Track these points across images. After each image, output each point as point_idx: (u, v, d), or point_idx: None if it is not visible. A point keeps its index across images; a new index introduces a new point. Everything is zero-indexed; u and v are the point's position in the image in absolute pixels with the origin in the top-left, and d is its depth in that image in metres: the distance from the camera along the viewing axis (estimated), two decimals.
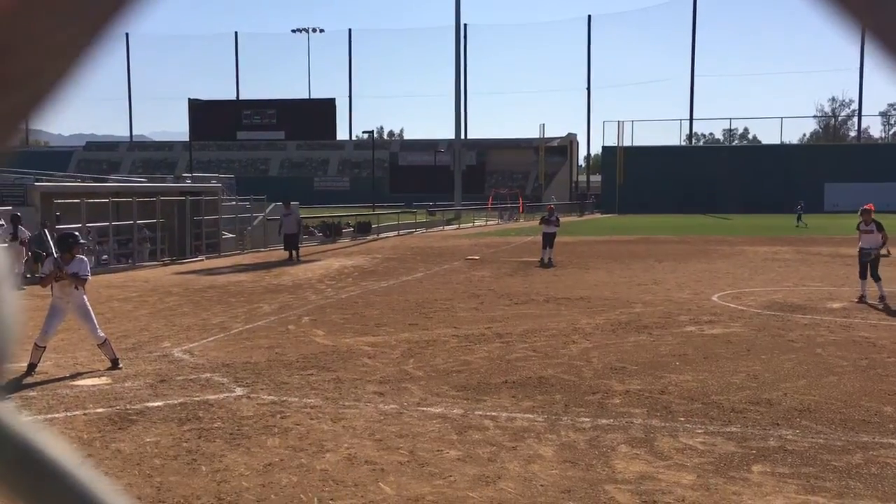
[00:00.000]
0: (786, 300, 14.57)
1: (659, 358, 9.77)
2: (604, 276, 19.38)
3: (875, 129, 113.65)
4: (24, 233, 17.28)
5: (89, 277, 9.29)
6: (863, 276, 14.50)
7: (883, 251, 14.83)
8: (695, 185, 76.01)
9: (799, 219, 45.92)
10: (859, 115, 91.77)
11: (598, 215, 70.47)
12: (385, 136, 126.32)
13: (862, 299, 14.37)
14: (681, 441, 6.51)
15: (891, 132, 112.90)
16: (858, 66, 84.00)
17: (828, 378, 8.68)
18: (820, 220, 50.11)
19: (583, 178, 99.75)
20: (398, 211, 43.28)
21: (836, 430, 6.79)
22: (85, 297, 9.21)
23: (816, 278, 18.65)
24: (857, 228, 14.97)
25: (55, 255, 9.07)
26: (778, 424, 6.96)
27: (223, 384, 8.47)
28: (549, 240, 22.66)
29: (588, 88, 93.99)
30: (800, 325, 12.06)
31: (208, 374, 8.90)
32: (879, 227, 14.55)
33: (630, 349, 10.32)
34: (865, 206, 15.02)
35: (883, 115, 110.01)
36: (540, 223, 23.90)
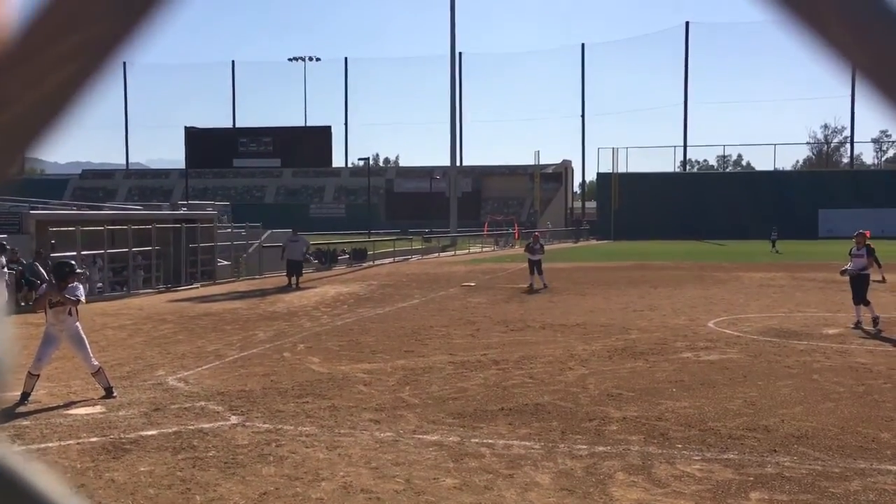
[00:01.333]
0: (782, 326, 14.58)
1: (655, 384, 9.74)
2: (600, 302, 19.38)
3: (867, 155, 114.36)
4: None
5: (83, 300, 9.20)
6: (856, 301, 14.52)
7: (878, 277, 14.85)
8: (689, 211, 76.24)
9: (773, 245, 46.01)
10: (851, 142, 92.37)
11: (594, 241, 70.59)
12: (381, 164, 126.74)
13: (858, 325, 14.38)
14: (678, 468, 6.48)
15: (883, 158, 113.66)
16: (850, 93, 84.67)
17: (825, 404, 8.66)
18: (813, 247, 50.23)
19: (578, 204, 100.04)
20: (394, 238, 43.33)
21: (834, 457, 6.76)
22: (79, 324, 9.16)
23: (812, 304, 18.67)
24: (850, 253, 15.02)
25: (52, 283, 9.12)
26: (775, 451, 6.94)
27: (218, 412, 8.42)
28: (535, 266, 23.22)
29: (582, 115, 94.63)
30: (796, 351, 12.05)
31: (203, 403, 8.85)
32: (870, 252, 14.61)
33: (626, 375, 10.29)
34: (860, 231, 15.11)
35: (875, 141, 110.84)
36: (525, 251, 24.75)
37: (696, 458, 6.76)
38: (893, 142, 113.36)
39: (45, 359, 8.95)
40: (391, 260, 38.43)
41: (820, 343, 12.86)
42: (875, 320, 14.20)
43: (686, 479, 6.20)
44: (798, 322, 15.33)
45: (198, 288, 23.87)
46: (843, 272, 14.88)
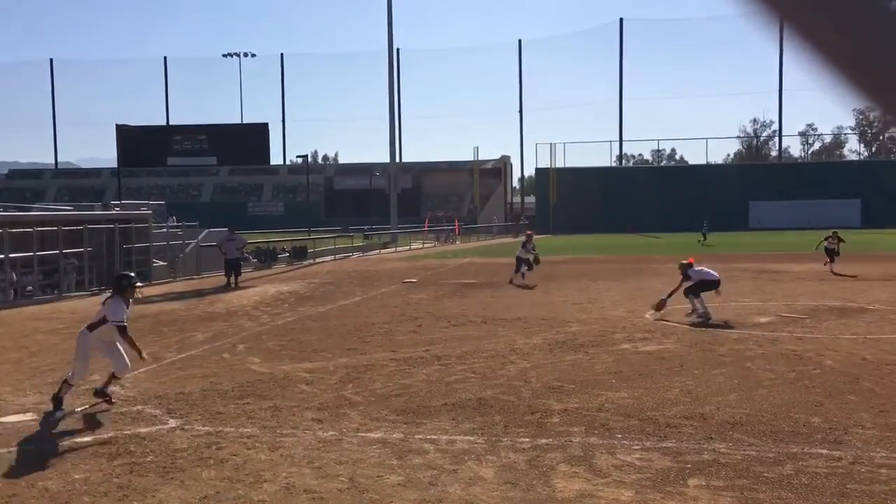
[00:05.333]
0: (715, 316, 14.93)
1: (595, 376, 9.89)
2: (540, 296, 19.57)
3: (795, 148, 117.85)
4: None
5: (125, 323, 8.78)
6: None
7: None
8: (626, 204, 77.50)
9: (704, 237, 46.96)
10: (780, 136, 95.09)
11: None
12: (320, 161, 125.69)
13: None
14: (618, 458, 6.59)
15: (809, 151, 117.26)
16: (778, 88, 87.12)
17: (758, 391, 8.91)
18: (744, 238, 51.59)
19: (517, 199, 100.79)
20: (334, 235, 43.02)
21: (768, 442, 6.96)
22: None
23: (744, 294, 19.17)
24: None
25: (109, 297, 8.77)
26: (712, 438, 7.11)
27: (155, 416, 8.25)
28: (524, 263, 23.19)
29: (520, 111, 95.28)
30: (730, 340, 12.36)
31: (140, 407, 8.66)
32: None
33: (567, 368, 10.42)
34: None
35: (802, 135, 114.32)
36: (521, 248, 24.20)
37: (636, 447, 6.88)
38: (819, 135, 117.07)
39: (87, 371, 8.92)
40: (332, 258, 38.16)
41: (752, 332, 13.22)
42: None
43: (626, 469, 6.31)
44: (731, 312, 15.72)
45: None
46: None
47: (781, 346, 11.83)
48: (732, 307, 16.52)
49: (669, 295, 15.15)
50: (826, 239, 24.79)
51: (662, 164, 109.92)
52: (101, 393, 8.67)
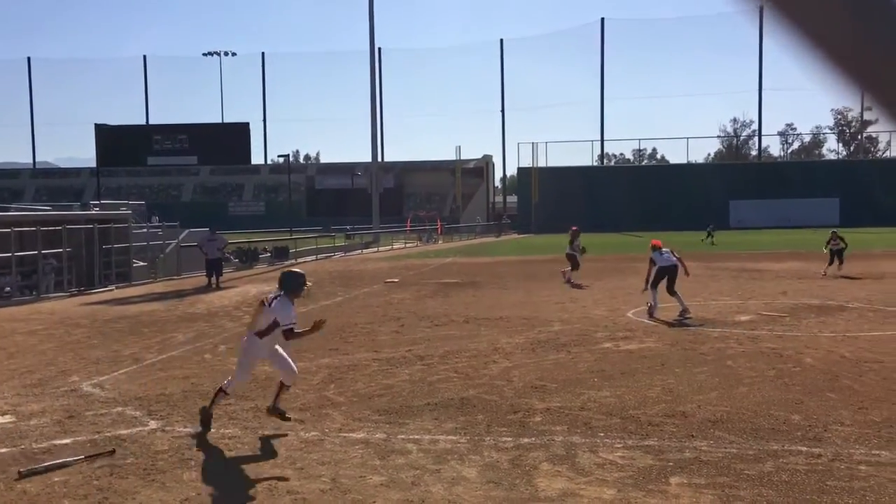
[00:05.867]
0: (696, 314, 15.01)
1: (578, 375, 9.92)
2: (522, 295, 19.60)
3: (774, 148, 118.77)
4: None
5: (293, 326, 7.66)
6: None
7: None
8: (607, 203, 77.82)
9: (709, 235, 47.26)
10: (759, 135, 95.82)
11: (515, 235, 71.36)
12: (301, 160, 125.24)
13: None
14: (601, 456, 6.61)
15: (788, 151, 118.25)
16: (758, 88, 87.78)
17: (738, 389, 8.97)
18: (727, 237, 51.92)
19: (500, 198, 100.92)
20: (316, 235, 42.89)
21: (748, 440, 7.01)
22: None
23: (725, 292, 19.30)
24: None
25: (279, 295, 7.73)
26: (693, 436, 7.15)
27: (136, 418, 8.19)
28: (574, 261, 22.67)
29: (502, 111, 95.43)
30: (711, 339, 12.43)
31: (120, 408, 8.60)
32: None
33: (550, 367, 10.45)
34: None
35: (781, 134, 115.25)
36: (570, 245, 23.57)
37: (618, 445, 6.91)
38: (798, 134, 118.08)
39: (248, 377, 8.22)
40: (313, 257, 38.04)
41: (733, 330, 13.30)
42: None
43: (609, 467, 6.33)
44: (712, 310, 15.82)
45: (112, 290, 23.15)
46: None
47: (762, 344, 11.92)
48: (713, 306, 16.63)
49: (645, 284, 15.17)
50: (829, 242, 23.57)
51: (643, 163, 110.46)
52: (275, 410, 7.78)
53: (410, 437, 7.29)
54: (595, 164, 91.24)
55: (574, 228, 24.22)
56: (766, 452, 6.63)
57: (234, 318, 16.35)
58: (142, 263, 26.48)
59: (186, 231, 29.35)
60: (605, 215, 74.24)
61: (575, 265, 22.72)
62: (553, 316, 15.45)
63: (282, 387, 7.87)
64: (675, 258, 15.22)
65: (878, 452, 6.58)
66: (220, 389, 7.85)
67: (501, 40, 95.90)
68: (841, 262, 23.01)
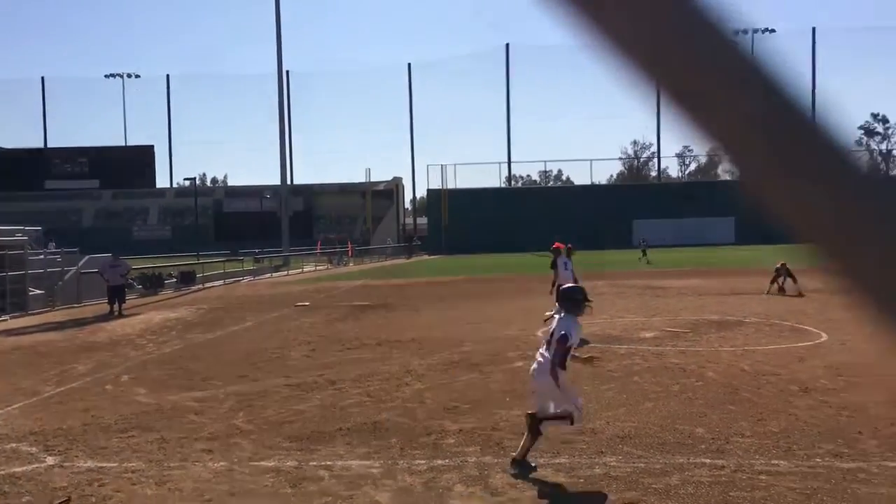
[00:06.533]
0: (604, 332, 15.36)
1: (490, 395, 9.99)
2: (434, 317, 19.65)
3: (673, 169, 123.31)
4: None
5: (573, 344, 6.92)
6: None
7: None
8: (516, 224, 78.89)
9: (644, 254, 47.25)
10: (658, 157, 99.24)
11: (426, 257, 71.57)
12: (208, 183, 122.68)
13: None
14: (513, 476, 6.66)
15: (686, 172, 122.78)
16: (656, 111, 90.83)
17: (645, 404, 9.20)
18: (632, 255, 53.37)
19: (410, 220, 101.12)
20: (224, 259, 42.00)
21: (655, 454, 7.19)
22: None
23: (631, 310, 19.81)
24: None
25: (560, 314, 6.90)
26: (602, 452, 7.29)
27: (32, 454, 7.80)
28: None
29: (411, 133, 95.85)
30: (618, 355, 12.73)
31: (14, 444, 8.18)
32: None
33: (462, 388, 10.49)
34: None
35: (679, 156, 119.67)
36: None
37: (530, 464, 6.97)
38: (695, 156, 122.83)
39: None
40: (222, 282, 37.21)
41: (639, 346, 13.66)
42: None
43: (521, 486, 6.39)
44: (619, 327, 16.21)
45: (6, 320, 22.08)
46: None
47: (666, 359, 12.27)
48: (619, 323, 17.03)
49: (553, 287, 15.17)
50: (776, 271, 23.40)
51: (550, 184, 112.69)
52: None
53: (322, 463, 7.18)
54: (503, 185, 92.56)
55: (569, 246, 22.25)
56: (672, 466, 6.81)
57: (137, 346, 15.82)
58: (39, 291, 25.35)
59: (87, 257, 28.26)
60: (515, 236, 75.26)
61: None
62: (465, 336, 15.54)
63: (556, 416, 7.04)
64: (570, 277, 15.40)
65: (777, 462, 6.86)
66: (567, 418, 6.93)
67: (409, 64, 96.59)
68: (793, 279, 22.69)
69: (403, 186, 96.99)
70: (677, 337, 14.77)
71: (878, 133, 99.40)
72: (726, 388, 10.01)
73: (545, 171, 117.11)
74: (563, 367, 6.82)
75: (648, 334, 15.19)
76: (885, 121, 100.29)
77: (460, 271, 41.61)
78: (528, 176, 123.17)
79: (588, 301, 7.23)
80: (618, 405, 9.20)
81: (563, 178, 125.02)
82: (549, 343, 6.93)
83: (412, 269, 47.14)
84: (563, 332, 6.80)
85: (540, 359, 7.00)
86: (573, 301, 7.12)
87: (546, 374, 6.79)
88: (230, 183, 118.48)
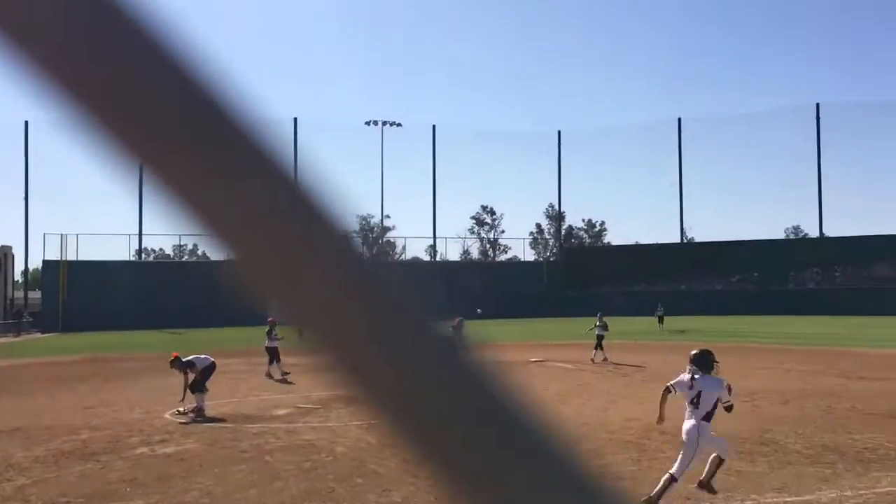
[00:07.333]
0: (236, 411, 15.01)
1: (107, 486, 9.18)
2: (45, 401, 17.65)
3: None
4: None
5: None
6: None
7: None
8: (149, 299, 74.72)
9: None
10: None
11: (38, 335, 64.56)
12: None
13: None
14: None
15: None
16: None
17: (275, 483, 9.11)
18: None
19: (20, 294, 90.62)
20: None
21: None
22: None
23: (265, 388, 19.64)
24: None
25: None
26: None
27: None
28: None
29: (26, 198, 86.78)
30: (250, 435, 12.50)
31: None
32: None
33: (75, 481, 9.51)
34: None
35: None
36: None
37: None
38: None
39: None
40: None
41: (272, 424, 13.56)
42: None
43: None
44: (252, 406, 15.96)
45: None
46: None
47: (298, 436, 12.32)
48: (252, 401, 16.78)
49: (184, 391, 14.95)
50: (595, 326, 24.61)
51: (184, 259, 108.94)
52: (708, 486, 7.99)
53: None
54: (133, 258, 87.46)
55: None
56: None
57: None
58: None
59: None
60: (148, 311, 71.14)
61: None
62: (81, 422, 14.16)
63: (720, 463, 8.07)
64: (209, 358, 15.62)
65: None
66: (670, 479, 7.66)
67: (26, 122, 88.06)
68: (602, 349, 24.00)
69: (13, 256, 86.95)
70: (309, 413, 14.92)
71: (486, 223, 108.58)
72: (354, 461, 10.30)
73: (179, 245, 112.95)
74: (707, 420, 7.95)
75: (282, 412, 15.15)
76: (492, 212, 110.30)
77: (81, 350, 38.07)
78: (161, 249, 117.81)
79: (716, 361, 8.60)
80: (248, 486, 9.00)
81: (199, 252, 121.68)
82: (693, 403, 7.95)
83: (22, 349, 42.12)
84: (717, 397, 7.99)
85: (695, 420, 7.87)
86: (709, 363, 8.37)
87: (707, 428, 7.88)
88: None
